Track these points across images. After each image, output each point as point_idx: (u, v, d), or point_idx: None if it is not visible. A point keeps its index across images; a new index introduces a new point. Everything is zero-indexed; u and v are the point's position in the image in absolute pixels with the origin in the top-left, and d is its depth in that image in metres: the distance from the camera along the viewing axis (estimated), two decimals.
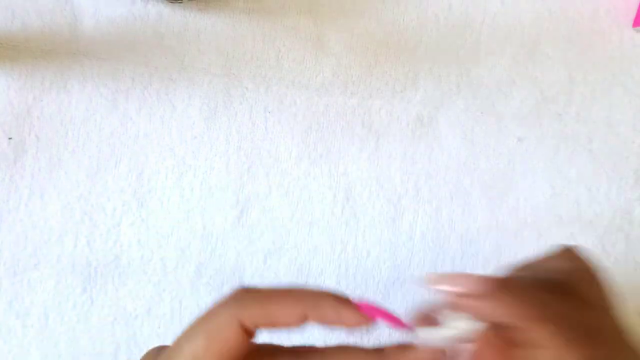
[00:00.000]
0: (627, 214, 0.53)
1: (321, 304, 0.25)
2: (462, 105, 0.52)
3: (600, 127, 0.53)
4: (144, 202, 0.47)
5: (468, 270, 0.51)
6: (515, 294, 0.25)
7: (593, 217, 0.53)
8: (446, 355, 0.26)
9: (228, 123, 0.48)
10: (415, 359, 0.26)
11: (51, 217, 0.45)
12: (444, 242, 0.51)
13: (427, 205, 0.51)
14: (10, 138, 0.45)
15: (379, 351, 0.26)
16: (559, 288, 0.26)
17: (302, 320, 0.25)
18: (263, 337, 0.26)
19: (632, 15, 0.54)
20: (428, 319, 0.27)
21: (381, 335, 0.49)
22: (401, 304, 0.50)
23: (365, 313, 0.25)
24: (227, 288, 0.48)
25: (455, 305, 0.26)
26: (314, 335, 0.49)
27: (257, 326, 0.24)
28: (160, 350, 0.27)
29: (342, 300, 0.25)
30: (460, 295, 0.26)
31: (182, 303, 0.47)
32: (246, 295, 0.25)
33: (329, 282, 0.49)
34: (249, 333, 0.24)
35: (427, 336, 0.26)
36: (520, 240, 0.52)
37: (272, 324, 0.24)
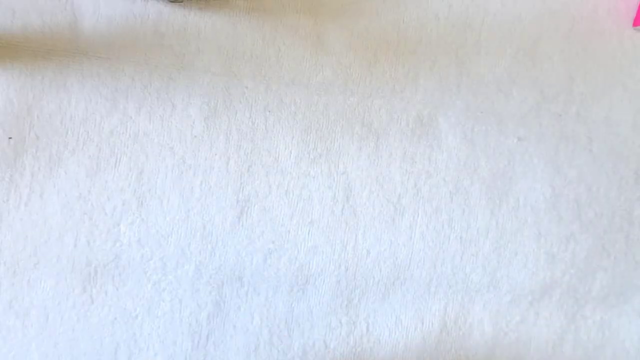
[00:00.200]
0: (627, 214, 0.53)
1: None
2: (462, 105, 0.52)
3: (600, 127, 0.53)
4: (144, 202, 0.47)
5: (468, 270, 0.51)
6: None
7: (593, 217, 0.53)
8: None
9: (228, 122, 0.48)
10: None
11: (51, 217, 0.45)
12: (443, 242, 0.51)
13: (427, 205, 0.51)
14: (10, 137, 0.45)
15: None
16: None
17: None
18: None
19: (632, 15, 0.54)
20: None
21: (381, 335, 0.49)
22: (401, 304, 0.50)
23: None
24: (227, 288, 0.48)
25: None
26: (314, 335, 0.49)
27: None
28: None
29: None
30: None
31: (182, 303, 0.47)
32: None
33: (328, 281, 0.49)
34: None
35: None
36: (520, 240, 0.51)
37: None
